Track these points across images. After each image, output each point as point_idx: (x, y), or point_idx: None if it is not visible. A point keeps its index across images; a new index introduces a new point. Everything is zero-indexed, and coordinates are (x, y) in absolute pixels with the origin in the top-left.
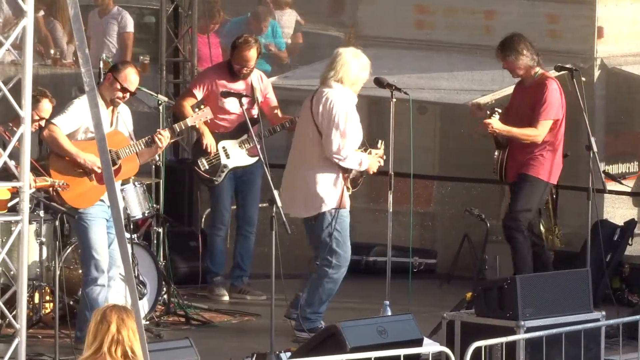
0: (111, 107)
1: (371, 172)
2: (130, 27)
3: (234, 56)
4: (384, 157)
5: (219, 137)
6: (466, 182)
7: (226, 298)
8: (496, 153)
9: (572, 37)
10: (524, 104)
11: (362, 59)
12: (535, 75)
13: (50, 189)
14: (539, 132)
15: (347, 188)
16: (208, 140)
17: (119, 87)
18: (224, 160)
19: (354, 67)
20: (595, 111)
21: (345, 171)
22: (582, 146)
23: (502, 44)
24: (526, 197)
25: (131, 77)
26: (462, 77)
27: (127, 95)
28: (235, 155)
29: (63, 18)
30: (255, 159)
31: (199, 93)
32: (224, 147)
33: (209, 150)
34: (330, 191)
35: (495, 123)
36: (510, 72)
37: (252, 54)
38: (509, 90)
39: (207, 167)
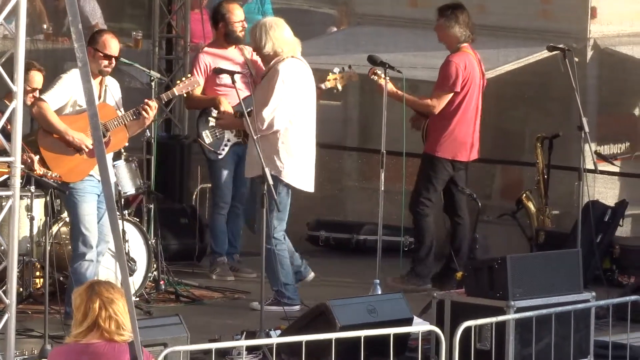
0: (99, 79)
1: None
2: (93, 18)
3: (227, 21)
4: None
5: None
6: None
7: (231, 278)
8: (424, 123)
9: (565, 17)
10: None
11: None
12: (456, 48)
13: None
14: (432, 104)
15: None
16: (225, 107)
17: (101, 55)
18: (227, 134)
19: None
20: (587, 91)
21: None
22: (574, 126)
23: (446, 7)
24: (422, 179)
25: (111, 44)
26: None
27: (113, 61)
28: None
29: None
30: (257, 136)
31: (201, 78)
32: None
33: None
34: None
35: (388, 85)
36: (438, 36)
37: (238, 10)
38: (503, 69)
39: (211, 139)
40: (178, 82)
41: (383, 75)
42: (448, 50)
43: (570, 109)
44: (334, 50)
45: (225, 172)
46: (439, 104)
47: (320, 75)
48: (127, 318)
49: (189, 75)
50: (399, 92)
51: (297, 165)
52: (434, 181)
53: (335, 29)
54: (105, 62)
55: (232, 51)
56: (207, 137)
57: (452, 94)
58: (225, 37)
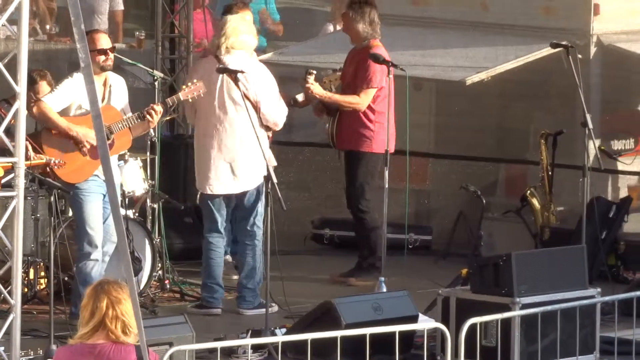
0: (103, 80)
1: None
2: (121, 5)
3: None
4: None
5: None
6: (462, 159)
7: (236, 277)
8: (329, 120)
9: (568, 14)
10: (349, 72)
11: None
12: (363, 43)
13: (47, 167)
14: (360, 101)
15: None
16: None
17: (95, 52)
18: None
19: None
20: (591, 89)
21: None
22: (578, 124)
23: (353, 2)
24: (356, 177)
25: (100, 38)
26: (456, 54)
27: (110, 55)
28: None
29: None
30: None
31: None
32: None
33: None
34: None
35: (315, 87)
36: (343, 25)
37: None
38: (504, 67)
39: None
40: (183, 87)
41: (310, 80)
42: (352, 43)
43: (573, 106)
44: (334, 49)
45: None
46: (365, 100)
47: (318, 74)
48: (133, 319)
49: (195, 80)
50: (326, 93)
51: (202, 168)
52: (374, 176)
53: (331, 26)
54: (102, 57)
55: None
56: None
57: (376, 89)
58: None
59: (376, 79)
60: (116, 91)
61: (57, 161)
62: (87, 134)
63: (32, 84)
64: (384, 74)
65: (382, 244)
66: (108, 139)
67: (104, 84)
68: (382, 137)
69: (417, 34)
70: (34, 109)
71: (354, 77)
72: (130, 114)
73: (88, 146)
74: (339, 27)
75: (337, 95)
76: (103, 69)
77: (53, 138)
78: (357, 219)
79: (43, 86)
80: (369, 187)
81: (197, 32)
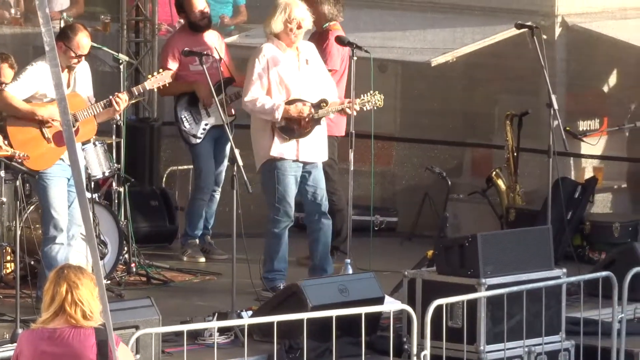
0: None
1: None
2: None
3: (187, 9)
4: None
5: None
6: (427, 143)
7: (202, 260)
8: None
9: None
10: None
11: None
12: (323, 27)
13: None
14: None
15: (283, 138)
16: (203, 94)
17: (72, 54)
18: (205, 118)
19: (276, 18)
20: (556, 69)
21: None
22: (543, 106)
23: None
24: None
25: (83, 43)
26: (415, 36)
27: (82, 58)
28: (215, 113)
29: None
30: (231, 118)
31: (174, 64)
32: (204, 105)
33: (205, 104)
34: (261, 144)
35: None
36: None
37: None
38: (469, 49)
39: (189, 124)
40: (149, 76)
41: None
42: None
43: (538, 88)
44: None
45: (207, 157)
46: None
47: None
48: (94, 304)
49: (161, 70)
50: None
51: None
52: (334, 159)
53: None
54: (75, 60)
55: (207, 34)
56: (186, 122)
57: (331, 72)
58: (189, 26)
59: (331, 61)
60: (81, 78)
61: (21, 154)
62: (53, 114)
63: None
64: (339, 57)
65: (348, 226)
66: (73, 126)
67: (69, 71)
68: (336, 121)
69: (377, 16)
70: None
71: None
72: (94, 102)
73: (55, 125)
74: None
75: None
76: (69, 68)
77: (18, 124)
78: None
79: (4, 69)
80: (332, 169)
81: (162, 15)
